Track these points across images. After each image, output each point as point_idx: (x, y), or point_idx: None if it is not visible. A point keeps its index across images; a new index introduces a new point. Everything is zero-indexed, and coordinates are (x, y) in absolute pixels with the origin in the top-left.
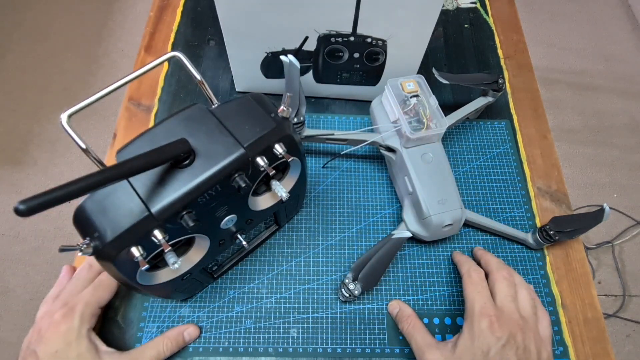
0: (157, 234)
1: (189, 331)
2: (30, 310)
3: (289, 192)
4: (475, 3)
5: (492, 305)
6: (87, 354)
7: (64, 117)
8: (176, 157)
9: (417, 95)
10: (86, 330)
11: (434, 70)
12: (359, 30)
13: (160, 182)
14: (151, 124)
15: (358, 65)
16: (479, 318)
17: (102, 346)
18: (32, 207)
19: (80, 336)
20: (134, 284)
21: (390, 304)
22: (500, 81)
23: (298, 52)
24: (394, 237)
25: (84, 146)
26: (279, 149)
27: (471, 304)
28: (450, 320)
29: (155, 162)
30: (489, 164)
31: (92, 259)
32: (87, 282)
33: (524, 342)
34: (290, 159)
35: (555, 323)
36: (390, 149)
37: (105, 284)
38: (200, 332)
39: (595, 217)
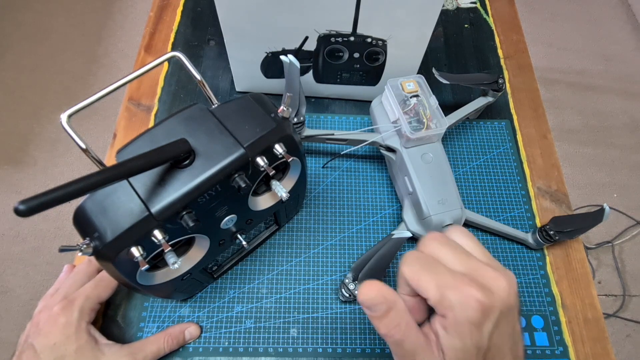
0: (157, 234)
1: (190, 330)
2: (30, 310)
3: (289, 192)
4: (475, 3)
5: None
6: (87, 346)
7: (64, 117)
8: (176, 157)
9: (417, 95)
10: (85, 323)
11: (434, 70)
12: (359, 30)
13: (160, 182)
14: (151, 124)
15: (358, 65)
16: (463, 312)
17: (102, 339)
18: (32, 207)
19: (79, 329)
20: (134, 284)
21: (365, 288)
22: (500, 81)
23: (298, 52)
24: (394, 237)
25: (83, 146)
26: (279, 149)
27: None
28: None
29: (155, 162)
30: (489, 164)
31: None
32: (86, 277)
33: (508, 305)
34: (290, 159)
35: (555, 323)
36: (390, 149)
37: (106, 281)
38: (201, 332)
39: (595, 217)
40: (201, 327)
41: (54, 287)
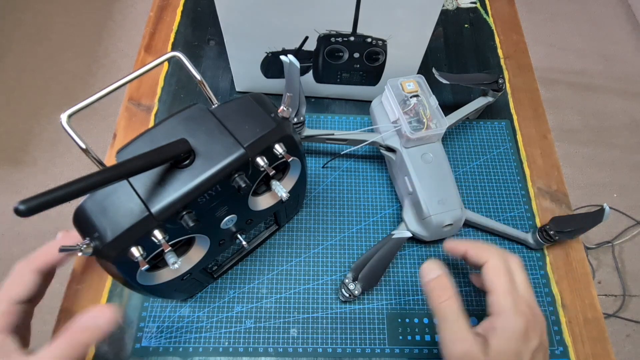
0: (157, 234)
1: (95, 321)
2: None
3: (289, 192)
4: (475, 3)
5: (525, 302)
6: None
7: (64, 117)
8: (176, 157)
9: (417, 95)
10: None
11: (434, 70)
12: (359, 30)
13: (160, 182)
14: (151, 124)
15: (358, 65)
16: (515, 318)
17: (15, 353)
18: (32, 207)
19: None
20: (134, 284)
21: (427, 265)
22: (500, 81)
23: (298, 52)
24: (394, 237)
25: (83, 146)
26: (279, 149)
27: (504, 299)
28: None
29: (155, 162)
30: (489, 164)
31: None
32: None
33: (546, 343)
34: (290, 159)
35: (555, 323)
36: (390, 149)
37: (18, 277)
38: (116, 319)
39: (595, 217)
40: (114, 310)
41: None
